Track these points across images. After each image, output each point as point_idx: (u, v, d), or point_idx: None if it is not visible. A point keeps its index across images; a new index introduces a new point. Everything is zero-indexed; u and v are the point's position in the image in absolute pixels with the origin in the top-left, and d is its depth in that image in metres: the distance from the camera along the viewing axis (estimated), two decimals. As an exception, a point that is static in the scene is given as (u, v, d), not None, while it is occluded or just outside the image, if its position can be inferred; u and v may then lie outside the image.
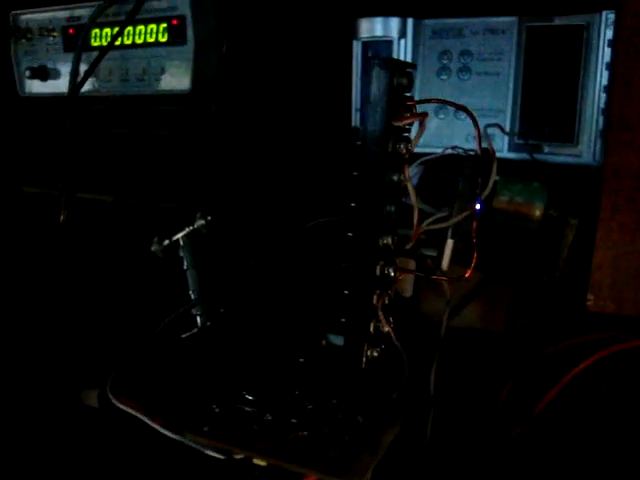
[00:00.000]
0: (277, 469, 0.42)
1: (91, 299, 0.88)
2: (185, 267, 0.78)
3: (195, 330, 0.68)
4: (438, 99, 0.48)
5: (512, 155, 0.85)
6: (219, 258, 0.77)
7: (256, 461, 0.43)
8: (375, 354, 0.52)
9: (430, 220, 0.70)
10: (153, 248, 0.80)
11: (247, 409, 0.47)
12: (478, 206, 0.50)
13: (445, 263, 0.67)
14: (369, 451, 0.44)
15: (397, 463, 0.58)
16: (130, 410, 0.46)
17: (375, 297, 0.50)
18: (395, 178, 0.48)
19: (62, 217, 0.95)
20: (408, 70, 0.47)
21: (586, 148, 0.82)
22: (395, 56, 0.89)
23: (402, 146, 0.47)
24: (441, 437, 0.66)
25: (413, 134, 0.52)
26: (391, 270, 0.50)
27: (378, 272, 0.50)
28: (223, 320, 0.65)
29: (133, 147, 0.99)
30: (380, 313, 0.50)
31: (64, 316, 0.88)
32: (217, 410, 0.47)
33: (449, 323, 0.92)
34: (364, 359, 0.51)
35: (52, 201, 0.93)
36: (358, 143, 0.48)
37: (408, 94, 0.48)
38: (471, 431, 0.71)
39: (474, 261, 0.48)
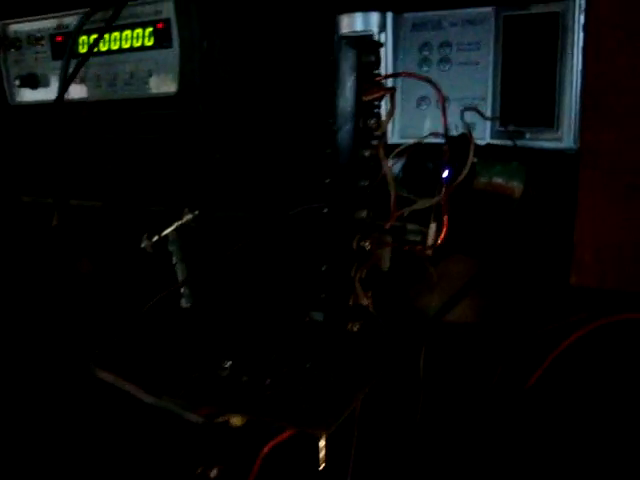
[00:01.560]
0: (253, 427, 0.43)
1: (84, 297, 0.89)
2: (174, 261, 0.79)
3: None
4: (406, 72, 0.49)
5: (494, 142, 0.85)
6: (208, 250, 0.78)
7: (233, 422, 0.44)
8: (355, 328, 0.53)
9: (416, 204, 0.71)
10: (143, 244, 0.81)
11: (224, 374, 0.48)
12: (446, 173, 0.51)
13: (431, 236, 0.67)
14: (339, 406, 0.45)
15: (389, 443, 0.59)
16: (110, 379, 0.46)
17: (353, 270, 0.51)
18: (367, 153, 0.49)
19: (54, 222, 0.96)
20: (375, 48, 0.48)
21: (566, 132, 0.82)
22: (376, 50, 0.90)
23: (372, 121, 0.49)
24: (432, 418, 0.66)
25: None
26: (367, 243, 0.51)
27: (355, 246, 0.51)
28: (208, 300, 0.66)
29: (123, 152, 1.00)
30: (358, 285, 0.51)
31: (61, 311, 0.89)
32: (195, 375, 0.48)
33: (445, 318, 0.92)
34: (345, 332, 0.52)
35: (45, 208, 0.94)
36: (330, 121, 0.49)
37: (376, 71, 0.49)
38: (462, 410, 0.71)
39: (444, 229, 0.49)
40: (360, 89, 0.47)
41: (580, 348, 0.69)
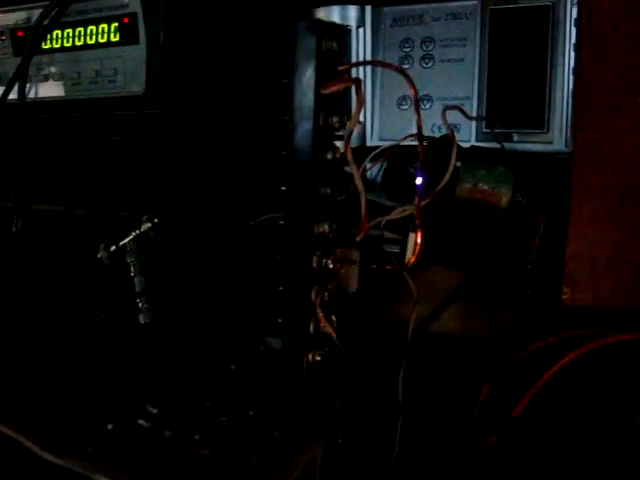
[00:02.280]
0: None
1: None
2: (132, 274, 0.71)
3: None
4: (375, 61, 0.41)
5: (480, 144, 0.78)
6: (167, 262, 0.70)
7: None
8: (318, 358, 0.45)
9: (392, 214, 0.63)
10: (99, 255, 0.74)
11: (146, 425, 0.40)
12: (419, 180, 0.43)
13: (410, 249, 0.60)
14: (278, 473, 0.36)
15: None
16: (10, 432, 0.38)
17: (313, 293, 0.44)
18: (329, 156, 0.41)
19: (15, 228, 0.89)
20: (339, 33, 0.40)
21: (557, 134, 0.76)
22: (354, 47, 0.83)
23: (335, 119, 0.41)
24: (411, 450, 0.60)
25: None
26: (330, 261, 0.43)
27: (315, 264, 0.43)
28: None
29: (87, 154, 0.93)
30: (319, 311, 0.43)
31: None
32: (110, 427, 0.40)
33: (429, 328, 0.85)
34: (304, 364, 0.44)
35: (4, 212, 0.87)
36: (286, 118, 0.41)
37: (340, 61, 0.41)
38: (445, 442, 0.64)
39: (418, 247, 0.41)
40: (320, 81, 0.39)
41: (573, 370, 0.61)
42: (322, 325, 0.43)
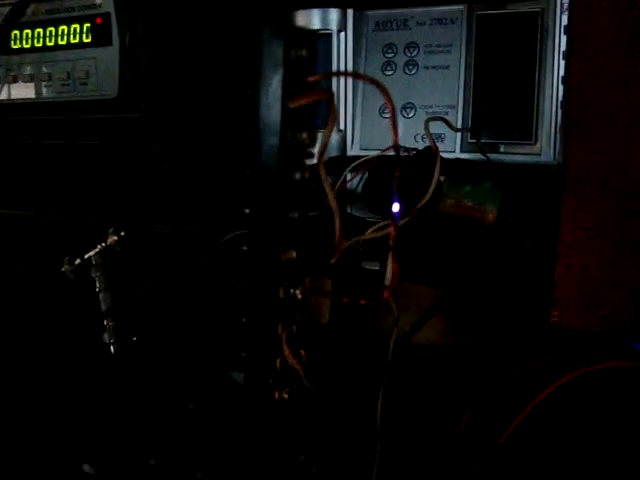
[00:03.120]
0: None
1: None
2: (97, 289, 0.66)
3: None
4: (347, 72, 0.37)
5: (465, 155, 0.74)
6: (135, 278, 0.65)
7: None
8: (285, 396, 0.40)
9: (370, 230, 0.59)
10: (64, 268, 0.69)
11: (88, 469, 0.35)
12: (396, 207, 0.38)
13: (388, 277, 0.56)
14: None
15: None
16: None
17: (280, 326, 0.39)
18: (297, 176, 0.36)
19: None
20: (308, 40, 0.35)
21: (545, 146, 0.71)
22: (335, 52, 0.78)
23: (305, 135, 0.36)
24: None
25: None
26: (298, 292, 0.38)
27: (282, 294, 0.38)
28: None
29: (58, 159, 0.88)
30: (285, 346, 0.38)
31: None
32: None
33: (411, 339, 0.81)
34: (268, 402, 0.39)
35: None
36: (250, 134, 0.36)
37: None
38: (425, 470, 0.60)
39: (391, 278, 0.36)
40: (288, 93, 0.34)
41: (561, 397, 0.57)
42: (289, 361, 0.38)
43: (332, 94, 0.35)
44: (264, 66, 0.35)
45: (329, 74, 0.38)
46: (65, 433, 0.43)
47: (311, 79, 0.35)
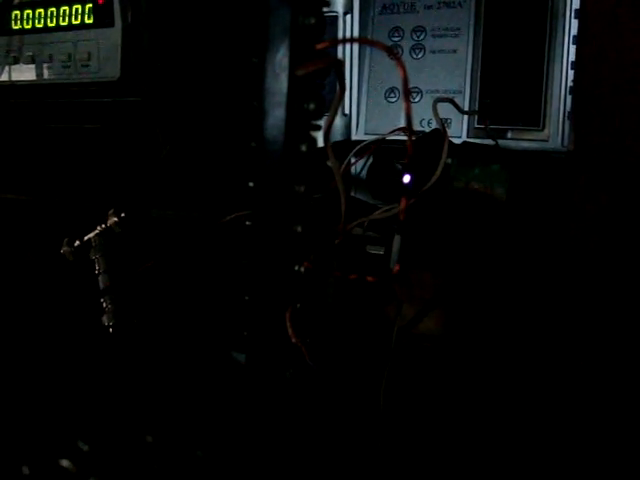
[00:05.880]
0: None
1: None
2: (97, 271, 0.65)
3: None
4: (360, 38, 0.35)
5: (472, 141, 0.72)
6: (135, 260, 0.64)
7: None
8: (288, 376, 0.39)
9: (375, 214, 0.58)
10: (63, 250, 0.67)
11: (69, 467, 0.33)
12: (407, 178, 0.37)
13: (393, 262, 0.55)
14: None
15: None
16: None
17: (284, 304, 0.37)
18: (304, 148, 0.35)
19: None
20: (317, 6, 0.34)
21: (554, 132, 0.70)
22: (340, 34, 0.77)
23: (312, 106, 0.34)
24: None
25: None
26: (303, 268, 0.37)
27: (287, 271, 0.37)
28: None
29: (59, 142, 0.87)
30: (288, 324, 0.37)
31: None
32: (26, 472, 0.33)
33: (414, 329, 0.79)
34: (270, 382, 0.38)
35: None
36: (254, 104, 0.35)
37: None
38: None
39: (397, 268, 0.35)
40: (295, 61, 0.33)
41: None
42: (293, 340, 0.37)
43: (341, 61, 0.33)
44: (271, 34, 0.33)
45: (340, 41, 0.37)
46: (61, 411, 0.42)
47: (319, 46, 0.34)
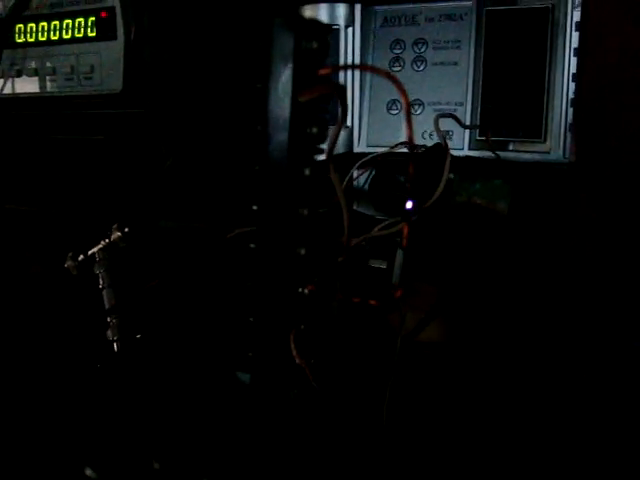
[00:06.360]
0: None
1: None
2: (101, 285, 0.65)
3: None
4: (361, 65, 0.36)
5: (473, 153, 0.73)
6: (139, 275, 0.64)
7: None
8: (292, 396, 0.39)
9: (378, 227, 0.58)
10: (67, 264, 0.68)
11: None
12: (410, 204, 0.37)
13: (396, 276, 0.55)
14: None
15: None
16: None
17: (288, 325, 0.38)
18: (307, 172, 0.35)
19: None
20: (320, 32, 0.34)
21: (555, 144, 0.70)
22: (342, 48, 0.77)
23: (314, 130, 0.35)
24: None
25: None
26: (306, 290, 0.37)
27: (291, 293, 0.37)
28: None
29: (62, 154, 0.87)
30: (292, 345, 0.37)
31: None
32: None
33: (417, 338, 0.79)
34: (274, 404, 0.38)
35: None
36: (258, 128, 0.35)
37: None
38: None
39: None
40: (298, 86, 0.33)
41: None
42: (297, 361, 0.37)
43: (343, 87, 0.34)
44: (274, 59, 0.33)
45: (342, 67, 0.37)
46: (67, 433, 0.42)
47: (322, 72, 0.34)
